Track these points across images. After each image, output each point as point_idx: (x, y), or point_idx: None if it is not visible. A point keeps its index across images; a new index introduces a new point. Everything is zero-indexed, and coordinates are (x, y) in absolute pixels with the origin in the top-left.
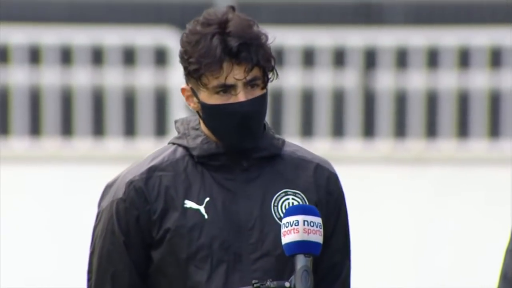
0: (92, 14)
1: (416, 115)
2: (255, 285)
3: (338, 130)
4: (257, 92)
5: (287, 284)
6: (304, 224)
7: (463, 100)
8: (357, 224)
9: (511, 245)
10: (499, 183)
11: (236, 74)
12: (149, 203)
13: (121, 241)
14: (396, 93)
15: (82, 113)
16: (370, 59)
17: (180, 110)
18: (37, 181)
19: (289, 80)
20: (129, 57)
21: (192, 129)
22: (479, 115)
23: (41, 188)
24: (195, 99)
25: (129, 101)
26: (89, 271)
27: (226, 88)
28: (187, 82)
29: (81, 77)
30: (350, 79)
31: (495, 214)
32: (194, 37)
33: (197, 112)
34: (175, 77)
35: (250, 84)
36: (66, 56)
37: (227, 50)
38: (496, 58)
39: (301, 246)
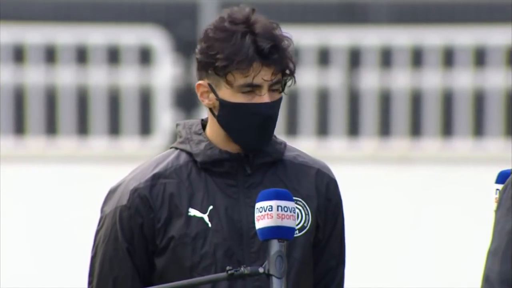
0: (77, 13)
1: (401, 115)
2: (229, 272)
3: (322, 129)
4: (277, 96)
5: (261, 269)
6: (277, 210)
7: (448, 100)
8: None
9: (493, 247)
10: (483, 182)
11: (264, 75)
12: (154, 211)
13: (124, 247)
14: (380, 93)
15: (67, 112)
16: (355, 58)
17: (165, 109)
18: (21, 180)
19: None
20: (113, 56)
21: (194, 134)
22: (463, 114)
23: (25, 187)
24: (211, 95)
25: (114, 100)
26: (91, 275)
27: (252, 88)
28: (204, 77)
29: (66, 76)
30: (335, 78)
31: (479, 213)
32: (223, 33)
33: (210, 109)
34: (160, 76)
35: (273, 86)
36: (50, 55)
37: (258, 51)
38: (480, 57)
39: (275, 232)
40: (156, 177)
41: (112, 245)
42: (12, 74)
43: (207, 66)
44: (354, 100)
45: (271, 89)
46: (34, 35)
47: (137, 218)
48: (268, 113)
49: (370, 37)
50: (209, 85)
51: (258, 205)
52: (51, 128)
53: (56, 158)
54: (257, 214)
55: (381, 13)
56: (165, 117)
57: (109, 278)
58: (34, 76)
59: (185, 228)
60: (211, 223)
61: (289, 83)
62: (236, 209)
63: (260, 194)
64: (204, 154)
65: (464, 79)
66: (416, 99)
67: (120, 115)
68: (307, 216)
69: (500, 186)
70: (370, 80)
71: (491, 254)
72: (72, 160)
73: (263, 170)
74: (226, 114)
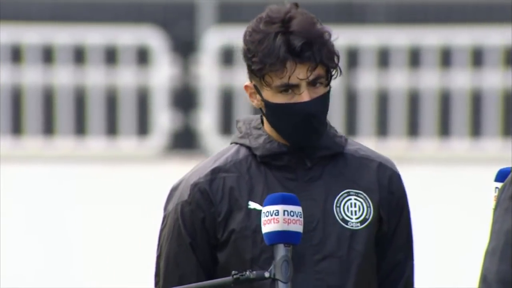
0: (74, 13)
1: (398, 114)
2: (234, 276)
3: None
4: (321, 90)
5: (266, 274)
6: (284, 214)
7: (445, 99)
8: None
9: (490, 247)
10: (481, 182)
11: (299, 74)
12: (214, 205)
13: (188, 243)
14: (378, 93)
15: (64, 112)
16: (352, 58)
17: (162, 109)
18: (19, 180)
19: None
20: (111, 56)
21: (254, 129)
22: (461, 114)
23: (22, 187)
24: (258, 96)
25: (111, 100)
26: (156, 274)
27: (290, 87)
28: (251, 79)
29: (63, 76)
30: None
31: (477, 213)
32: (257, 36)
33: (260, 109)
34: (157, 76)
35: (313, 83)
36: (48, 55)
37: (290, 50)
38: (478, 57)
39: (281, 236)
40: (215, 171)
41: (176, 241)
42: (9, 74)
43: (248, 68)
44: (351, 100)
45: (312, 86)
46: (32, 35)
47: (198, 212)
48: (308, 111)
49: (368, 37)
50: (255, 86)
51: (264, 209)
52: (48, 128)
53: (53, 158)
54: (263, 219)
55: (379, 13)
56: (163, 117)
57: (175, 275)
58: (32, 76)
59: (245, 221)
60: None
61: (335, 75)
62: None
63: (266, 198)
64: (264, 148)
65: (461, 79)
66: (414, 99)
67: (118, 115)
68: (368, 208)
69: (499, 185)
70: (367, 80)
71: (489, 254)
72: (69, 160)
73: (322, 163)
74: (271, 114)
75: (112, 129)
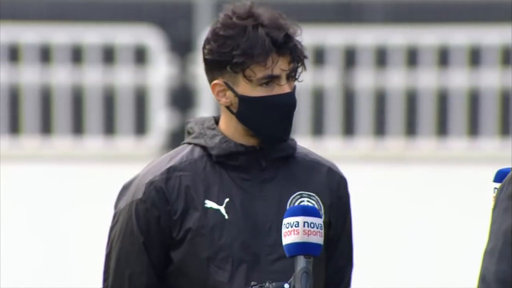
0: (72, 13)
1: (396, 114)
2: (254, 287)
3: (317, 128)
4: (292, 84)
5: (286, 285)
6: (304, 226)
7: (443, 99)
8: None
9: (489, 247)
10: (479, 181)
11: (281, 65)
12: (170, 203)
13: (140, 241)
14: (376, 92)
15: (62, 112)
16: (350, 58)
17: (160, 109)
18: (17, 180)
19: None
20: (109, 55)
21: (208, 129)
22: (458, 113)
23: (20, 187)
24: (228, 93)
25: (109, 99)
26: (106, 271)
27: (271, 79)
28: (218, 76)
29: (61, 76)
30: (330, 77)
31: (475, 213)
32: (234, 29)
33: (227, 107)
34: (155, 76)
35: (289, 76)
36: (45, 54)
37: (274, 41)
38: (475, 56)
39: (301, 248)
40: (171, 170)
41: (128, 240)
42: (7, 74)
43: (222, 65)
44: (349, 99)
45: (288, 78)
46: (29, 34)
47: (153, 211)
48: (290, 103)
49: (366, 37)
50: (225, 83)
51: (285, 221)
52: (46, 127)
53: (51, 158)
54: (284, 230)
55: (376, 12)
56: (160, 117)
57: (125, 274)
58: (29, 76)
59: (202, 219)
60: (227, 215)
61: (300, 70)
62: (251, 203)
63: (287, 210)
64: (220, 147)
65: (459, 79)
66: (411, 99)
67: (115, 114)
68: (320, 211)
69: (498, 185)
70: (365, 79)
71: (488, 254)
72: (67, 160)
73: (276, 165)
74: (247, 109)
75: (110, 128)
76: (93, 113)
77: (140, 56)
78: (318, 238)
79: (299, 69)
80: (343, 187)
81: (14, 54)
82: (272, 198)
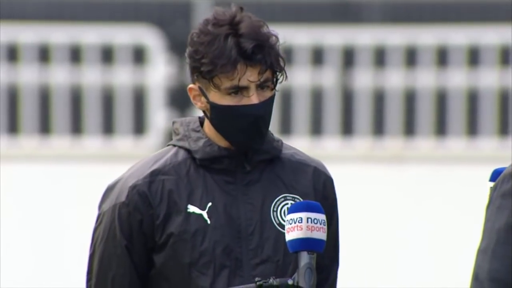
0: (70, 12)
1: (394, 114)
2: (258, 283)
3: (316, 128)
4: (267, 94)
5: (290, 281)
6: (307, 221)
7: (441, 99)
8: None
9: (483, 245)
10: (477, 181)
11: (249, 76)
12: (153, 207)
13: (123, 245)
14: (374, 92)
15: (60, 112)
16: (349, 57)
17: (158, 108)
18: (15, 180)
19: None
20: (107, 55)
21: (192, 131)
22: (457, 113)
23: (19, 186)
24: (203, 98)
25: (107, 99)
26: (89, 272)
27: (239, 90)
28: (195, 81)
29: (59, 76)
30: (329, 77)
31: (473, 212)
32: (206, 37)
33: (204, 111)
34: (153, 75)
35: (261, 86)
36: (44, 54)
37: (241, 52)
38: (474, 56)
39: (305, 243)
40: (154, 174)
41: (110, 242)
42: (6, 74)
43: (195, 70)
44: (348, 99)
45: (260, 89)
46: (28, 34)
47: (136, 215)
48: (257, 114)
49: (364, 37)
50: (200, 88)
51: (288, 217)
52: (45, 127)
53: (50, 158)
54: (287, 226)
55: (374, 12)
56: (159, 116)
57: (107, 276)
58: (28, 75)
59: (184, 224)
60: (210, 220)
61: (280, 79)
62: (235, 206)
63: (290, 206)
64: (203, 151)
65: (458, 78)
66: (410, 98)
67: (114, 114)
68: None
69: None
70: (363, 79)
71: (481, 252)
72: (66, 160)
73: (260, 167)
74: (217, 116)
75: (108, 128)
76: (92, 112)
77: (139, 56)
78: (321, 234)
79: (280, 79)
80: (329, 187)
81: (12, 54)
82: (256, 201)
